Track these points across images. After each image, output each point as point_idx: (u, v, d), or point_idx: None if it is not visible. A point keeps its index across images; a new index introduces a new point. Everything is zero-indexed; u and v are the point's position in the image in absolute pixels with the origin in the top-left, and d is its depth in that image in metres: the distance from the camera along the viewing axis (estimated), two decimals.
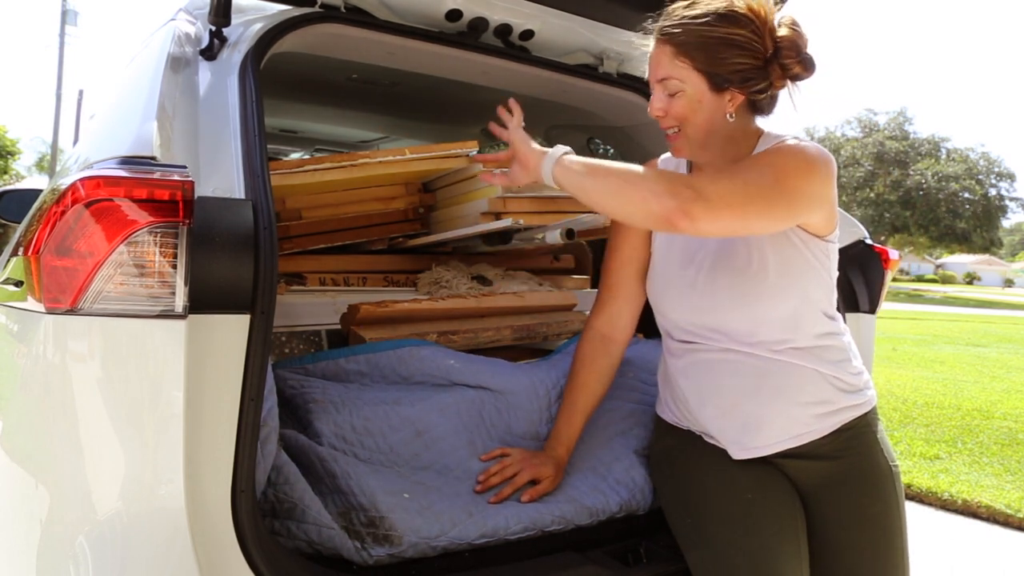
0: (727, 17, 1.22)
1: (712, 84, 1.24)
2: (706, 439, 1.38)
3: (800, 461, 1.33)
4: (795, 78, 1.25)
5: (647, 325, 2.17)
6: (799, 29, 1.24)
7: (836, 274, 1.35)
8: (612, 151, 2.56)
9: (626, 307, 1.50)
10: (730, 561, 1.25)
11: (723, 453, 1.35)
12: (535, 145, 1.27)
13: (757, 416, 1.31)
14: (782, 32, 1.24)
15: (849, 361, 1.34)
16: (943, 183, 29.81)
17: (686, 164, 1.43)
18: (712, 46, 1.22)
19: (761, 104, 1.30)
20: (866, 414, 1.35)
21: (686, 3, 1.26)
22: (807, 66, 1.24)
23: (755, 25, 1.22)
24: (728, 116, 1.26)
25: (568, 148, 1.23)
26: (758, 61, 1.23)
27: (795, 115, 1.35)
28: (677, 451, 1.43)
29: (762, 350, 1.30)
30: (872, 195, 30.43)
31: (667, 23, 1.26)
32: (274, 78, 2.09)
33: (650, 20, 1.31)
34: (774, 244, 1.27)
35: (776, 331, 1.29)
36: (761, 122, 1.35)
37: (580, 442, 1.53)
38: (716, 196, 1.10)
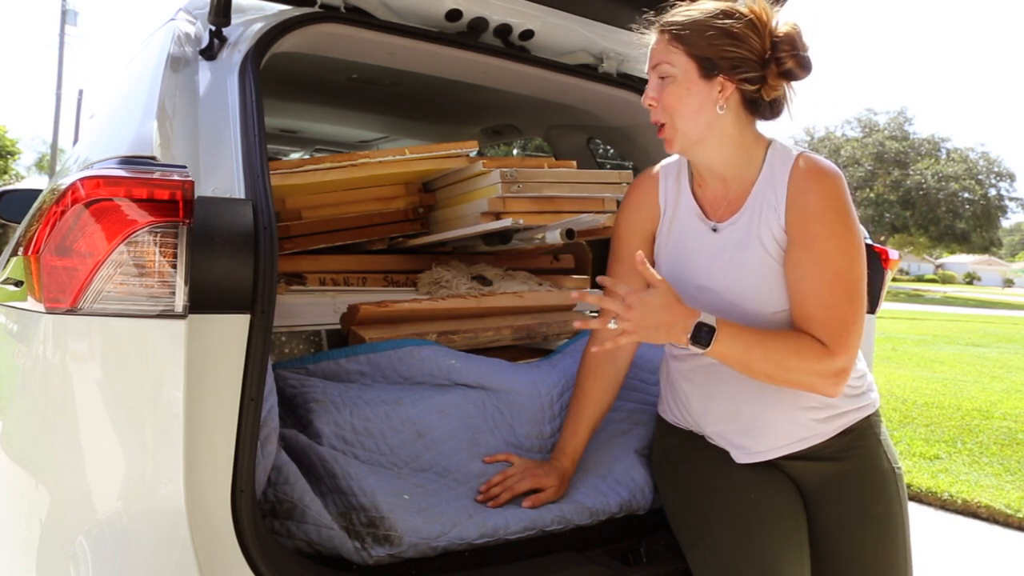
0: (725, 12, 1.25)
1: (702, 69, 1.25)
2: (708, 439, 1.38)
3: (802, 462, 1.33)
4: (788, 75, 1.25)
5: None
6: (799, 30, 1.26)
7: None
8: (612, 151, 2.57)
9: None
10: (732, 561, 1.25)
11: (725, 453, 1.36)
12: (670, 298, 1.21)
13: (760, 422, 1.31)
14: (781, 30, 1.26)
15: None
16: (943, 183, 29.77)
17: (687, 171, 1.41)
18: (705, 33, 1.24)
19: (758, 104, 1.29)
20: (869, 416, 1.35)
21: (689, 2, 1.29)
22: (801, 63, 1.25)
23: (753, 22, 1.25)
24: (718, 107, 1.26)
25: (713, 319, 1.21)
26: (753, 55, 1.25)
27: (795, 117, 1.36)
28: (679, 451, 1.43)
29: None
30: (872, 195, 30.38)
31: (667, 16, 1.29)
32: (274, 78, 2.09)
33: (652, 14, 1.32)
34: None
35: None
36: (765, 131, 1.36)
37: None
38: (852, 356, 1.22)
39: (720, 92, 1.26)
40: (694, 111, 1.26)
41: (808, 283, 1.24)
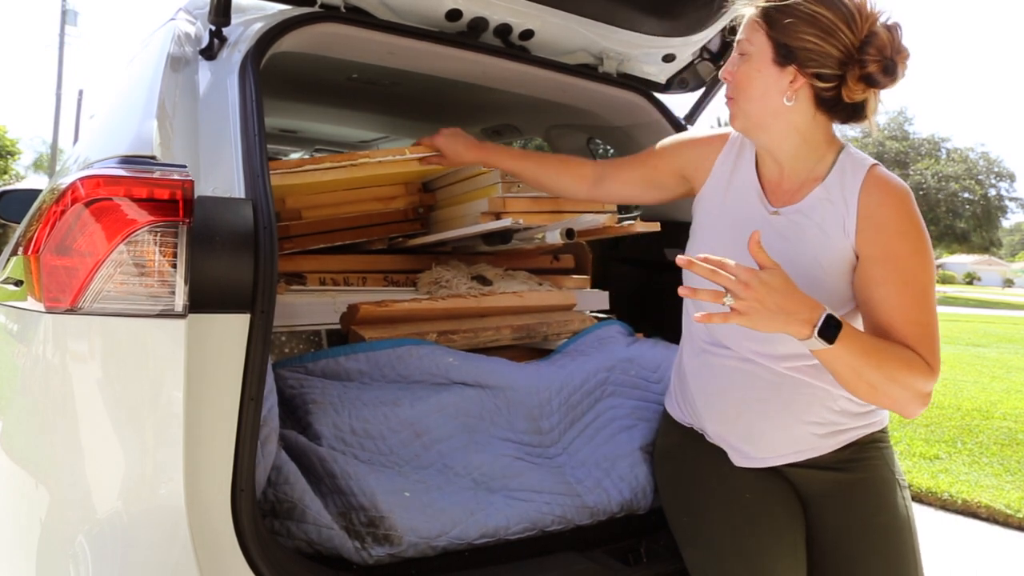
0: (824, 0, 1.17)
1: (777, 54, 1.19)
2: (708, 439, 1.38)
3: (802, 470, 1.32)
4: (869, 79, 1.15)
5: (647, 325, 2.17)
6: (896, 35, 1.16)
7: None
8: (612, 151, 2.56)
9: (617, 180, 1.57)
10: (725, 560, 1.25)
11: (725, 454, 1.35)
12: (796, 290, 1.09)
13: (759, 429, 1.30)
14: (875, 29, 1.16)
15: None
16: (943, 183, 29.75)
17: (753, 158, 1.35)
18: (791, 16, 1.17)
19: (836, 104, 1.21)
20: (873, 433, 1.32)
21: None
22: (885, 69, 1.15)
23: (849, 14, 1.16)
24: (785, 98, 1.20)
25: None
26: (836, 50, 1.16)
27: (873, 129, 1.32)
28: (680, 448, 1.43)
29: (779, 364, 1.26)
30: None
31: None
32: (274, 78, 2.09)
33: None
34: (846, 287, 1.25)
35: (802, 348, 1.18)
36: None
37: (584, 438, 1.53)
38: (938, 370, 1.16)
39: (791, 83, 1.19)
40: (760, 94, 1.22)
41: (894, 301, 1.17)
